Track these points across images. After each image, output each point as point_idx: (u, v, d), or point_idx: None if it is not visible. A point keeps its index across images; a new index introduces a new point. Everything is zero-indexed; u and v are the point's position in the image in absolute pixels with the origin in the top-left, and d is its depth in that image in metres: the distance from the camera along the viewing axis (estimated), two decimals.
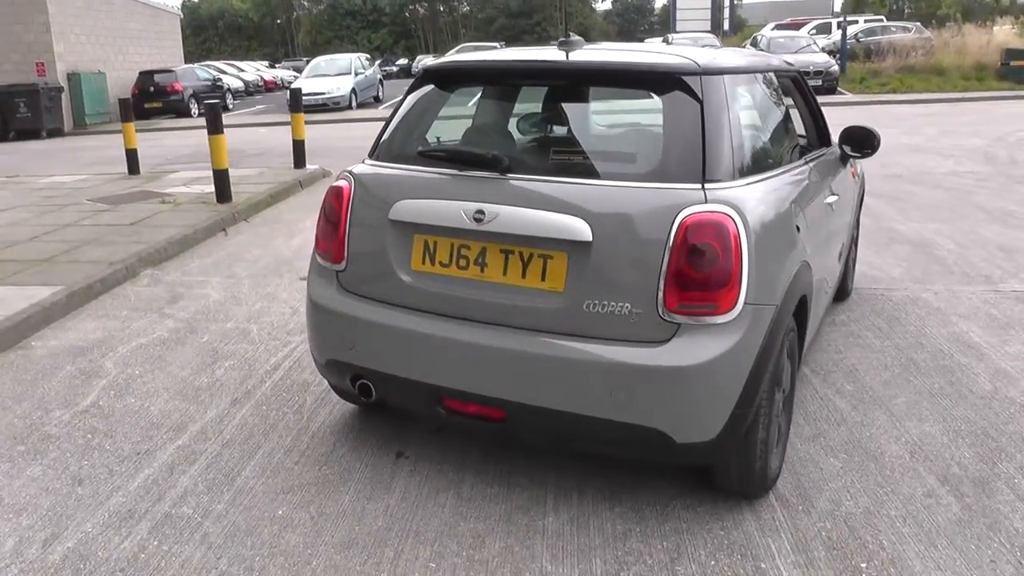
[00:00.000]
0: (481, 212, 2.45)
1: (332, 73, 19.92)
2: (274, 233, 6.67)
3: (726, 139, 2.46)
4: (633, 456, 2.58)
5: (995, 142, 10.68)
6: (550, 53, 2.74)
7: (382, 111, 19.56)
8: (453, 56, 3.13)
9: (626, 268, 2.33)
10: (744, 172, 2.49)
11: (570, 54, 2.69)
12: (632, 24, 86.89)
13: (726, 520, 2.60)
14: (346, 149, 11.62)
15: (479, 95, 3.11)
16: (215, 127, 7.00)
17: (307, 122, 10.04)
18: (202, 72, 22.51)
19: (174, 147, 13.44)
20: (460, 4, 76.89)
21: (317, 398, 3.52)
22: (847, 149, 3.72)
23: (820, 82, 19.21)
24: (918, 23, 28.59)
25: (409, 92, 2.95)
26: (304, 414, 3.38)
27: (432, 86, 2.92)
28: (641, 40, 50.61)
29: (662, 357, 2.30)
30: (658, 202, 2.34)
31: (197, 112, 20.22)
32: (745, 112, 2.71)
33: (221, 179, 7.11)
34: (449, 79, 2.94)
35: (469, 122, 3.06)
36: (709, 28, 42.07)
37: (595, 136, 2.81)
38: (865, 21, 29.42)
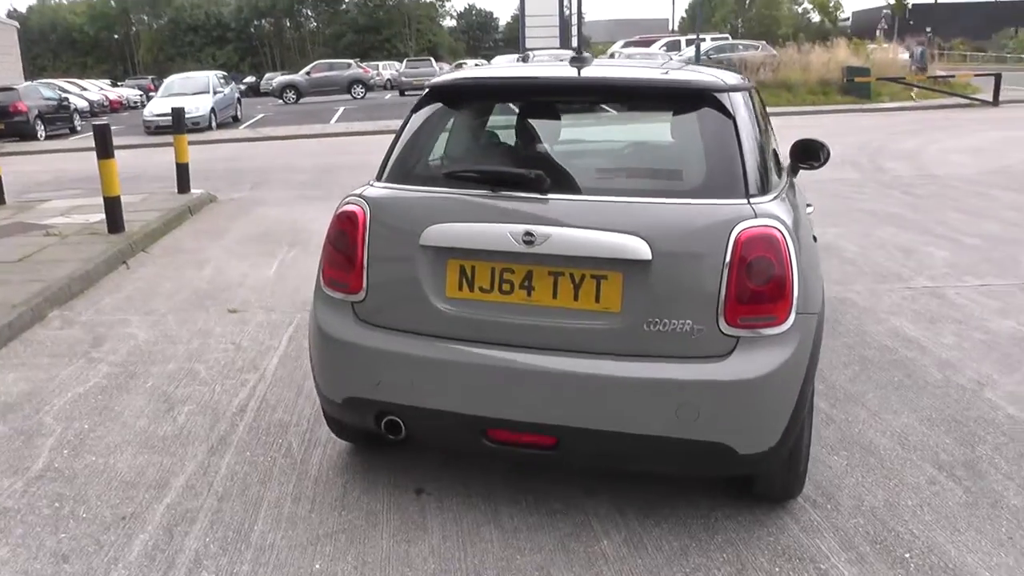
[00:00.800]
0: (530, 234, 2.38)
1: (189, 92, 18.82)
2: (180, 264, 6.20)
3: (756, 154, 2.53)
4: (691, 471, 2.58)
5: (857, 151, 11.65)
6: (568, 70, 2.71)
7: (245, 131, 18.75)
8: (464, 73, 3.02)
9: (686, 285, 2.33)
10: (769, 186, 2.57)
11: (583, 71, 2.68)
12: (477, 41, 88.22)
13: (769, 526, 2.65)
14: (223, 172, 11.04)
15: (494, 113, 3.01)
16: (105, 151, 6.42)
17: (166, 145, 9.42)
18: (46, 90, 20.55)
19: (31, 173, 12.20)
20: (307, 20, 75.15)
21: (303, 439, 3.29)
22: (797, 161, 3.92)
23: None
24: (764, 41, 30.85)
25: (415, 110, 2.82)
26: (295, 457, 3.14)
27: (440, 104, 2.81)
28: (487, 58, 51.30)
29: (727, 371, 2.32)
30: (712, 218, 2.36)
31: (44, 135, 18.52)
32: (756, 128, 2.80)
33: (113, 208, 6.53)
34: (460, 96, 2.84)
35: (489, 141, 2.97)
36: (559, 45, 43.37)
37: (631, 153, 2.80)
38: (712, 39, 31.32)
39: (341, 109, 23.28)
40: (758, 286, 2.32)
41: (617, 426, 2.37)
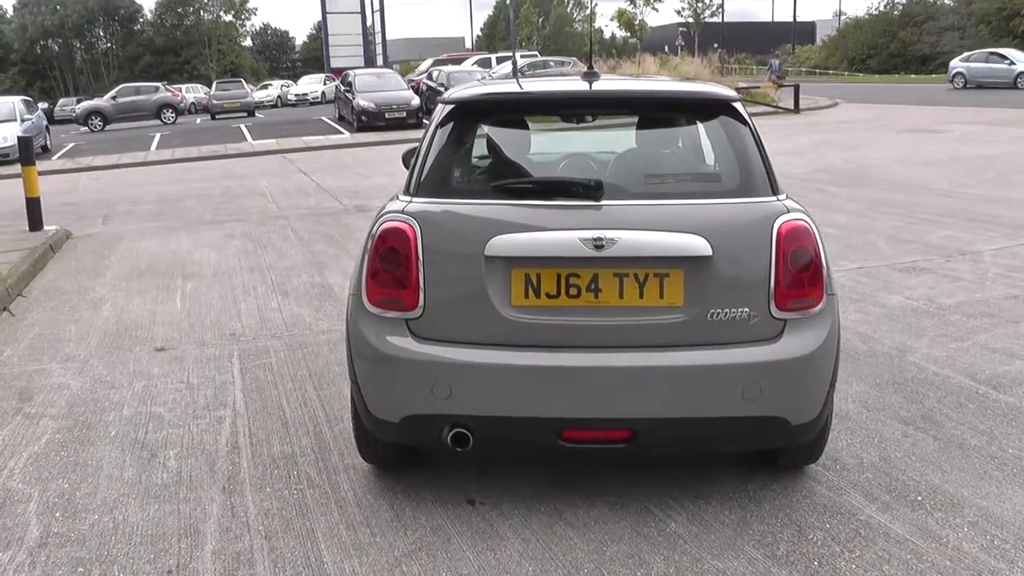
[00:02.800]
0: (600, 239, 2.50)
1: None
2: (72, 305, 5.64)
3: (768, 157, 2.81)
4: (751, 446, 2.79)
5: None
6: (594, 83, 2.86)
7: (61, 162, 17.06)
8: (489, 89, 3.06)
9: (742, 277, 2.55)
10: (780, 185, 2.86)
11: (609, 85, 2.85)
12: (275, 61, 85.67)
13: (802, 491, 2.92)
14: (59, 207, 10.06)
15: (524, 126, 3.06)
16: None
17: None
18: None
19: None
20: (99, 41, 69.33)
21: (319, 469, 3.17)
22: None
23: None
24: (575, 58, 32.45)
25: (440, 125, 2.83)
26: (322, 487, 3.03)
27: (466, 119, 2.85)
28: (295, 78, 49.80)
29: (782, 351, 2.56)
30: (757, 214, 2.61)
31: None
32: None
33: None
34: (488, 111, 2.89)
35: (525, 153, 3.02)
36: (363, 63, 43.12)
37: (665, 159, 2.96)
38: (522, 56, 32.49)
39: (157, 135, 21.80)
40: (799, 272, 2.59)
41: (690, 412, 2.54)
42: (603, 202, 2.60)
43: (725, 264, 2.53)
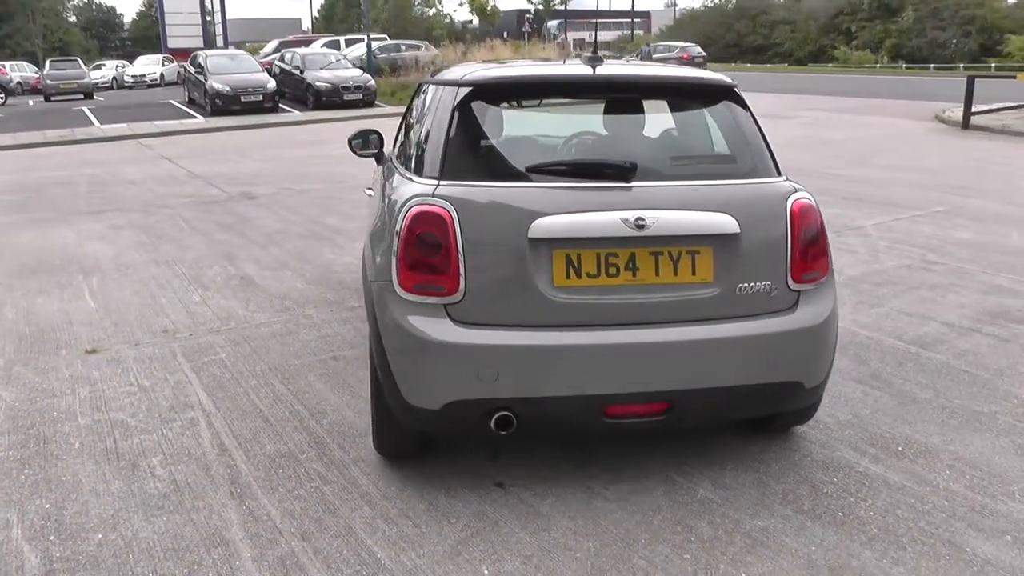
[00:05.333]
0: (642, 219, 2.56)
1: None
2: None
3: (767, 139, 2.98)
4: (771, 410, 2.95)
5: None
6: (608, 67, 2.90)
7: None
8: (508, 72, 3.00)
9: (764, 252, 2.70)
10: None
11: (622, 69, 2.91)
12: (104, 40, 79.40)
13: (800, 451, 3.15)
14: None
15: (540, 108, 3.03)
16: None
17: None
18: None
19: None
20: None
21: (326, 464, 3.06)
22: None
23: (361, 96, 20.37)
24: (426, 42, 32.16)
25: (457, 108, 2.78)
26: (339, 482, 2.92)
27: (484, 102, 2.81)
28: (128, 58, 46.27)
29: (800, 320, 2.74)
30: (772, 194, 2.77)
31: None
32: None
33: None
34: (506, 93, 2.87)
35: (547, 136, 3.00)
36: (203, 44, 40.81)
37: (681, 142, 3.02)
38: (372, 39, 31.86)
39: None
40: (810, 247, 2.77)
41: (723, 381, 2.67)
42: (634, 183, 2.66)
43: (750, 241, 2.67)
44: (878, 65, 43.73)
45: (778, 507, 2.75)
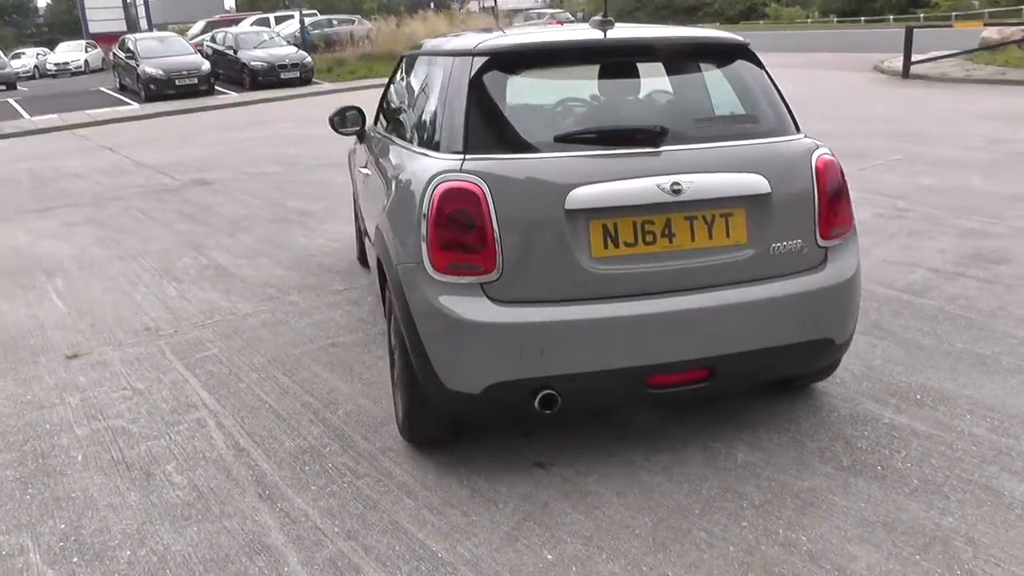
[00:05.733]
0: (678, 183, 2.50)
1: None
2: None
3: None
4: (804, 368, 2.93)
5: None
6: (621, 31, 2.81)
7: None
8: (522, 39, 2.87)
9: (794, 210, 2.67)
10: None
11: (633, 32, 2.83)
12: (19, 27, 75.34)
13: (823, 407, 3.16)
14: None
15: (557, 75, 2.90)
16: None
17: None
18: None
19: None
20: None
21: (352, 457, 2.95)
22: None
23: (298, 74, 19.84)
24: (358, 15, 31.34)
25: (473, 79, 2.66)
26: (372, 475, 2.82)
27: (499, 71, 2.68)
28: (48, 45, 44.20)
29: (830, 277, 2.73)
30: (797, 151, 2.74)
31: None
32: None
33: None
34: (523, 62, 2.74)
35: (567, 102, 2.89)
36: (126, 28, 39.19)
37: (701, 103, 2.92)
38: (303, 14, 30.98)
39: None
40: (834, 202, 2.76)
41: (762, 343, 2.65)
42: (664, 147, 2.60)
43: (780, 200, 2.64)
44: (809, 20, 44.47)
45: (818, 465, 2.76)
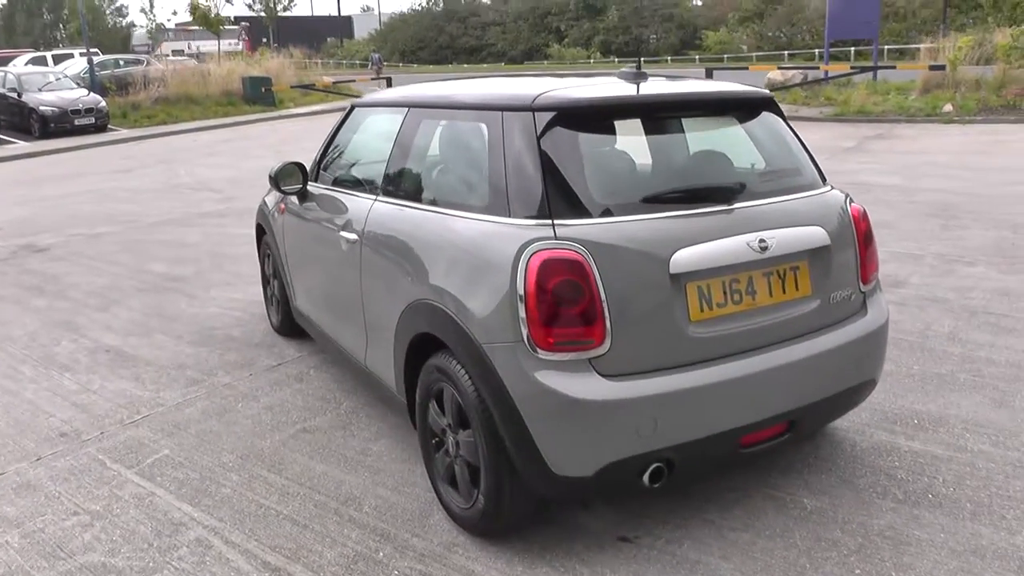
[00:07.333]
0: (764, 241, 2.51)
1: None
2: None
3: None
4: (846, 411, 3.02)
5: None
6: (671, 86, 2.82)
7: None
8: (585, 93, 2.68)
9: (844, 260, 2.79)
10: None
11: (690, 86, 2.95)
12: None
13: (843, 443, 3.30)
14: None
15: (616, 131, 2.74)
16: None
17: None
18: None
19: None
20: None
21: (414, 558, 2.65)
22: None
23: (93, 120, 18.15)
24: (146, 56, 29.08)
25: (540, 137, 2.48)
26: (455, 560, 2.55)
27: (565, 127, 2.52)
28: None
29: (874, 321, 2.87)
30: (838, 202, 2.87)
31: None
32: None
33: None
34: (588, 117, 2.59)
35: (634, 160, 2.75)
36: None
37: (755, 156, 2.89)
38: (81, 55, 28.34)
39: None
40: (871, 249, 2.91)
41: (830, 391, 2.73)
42: (735, 204, 2.60)
43: (836, 250, 2.75)
44: (591, 60, 47.53)
45: (879, 501, 2.87)
